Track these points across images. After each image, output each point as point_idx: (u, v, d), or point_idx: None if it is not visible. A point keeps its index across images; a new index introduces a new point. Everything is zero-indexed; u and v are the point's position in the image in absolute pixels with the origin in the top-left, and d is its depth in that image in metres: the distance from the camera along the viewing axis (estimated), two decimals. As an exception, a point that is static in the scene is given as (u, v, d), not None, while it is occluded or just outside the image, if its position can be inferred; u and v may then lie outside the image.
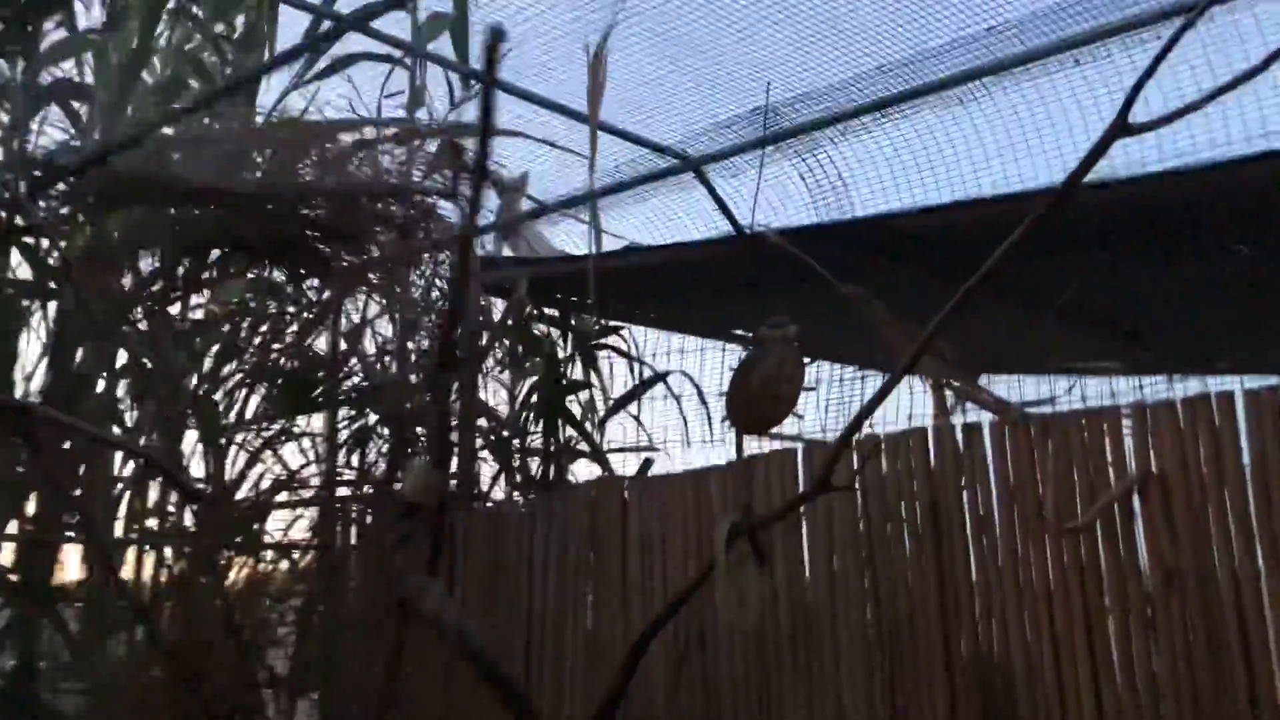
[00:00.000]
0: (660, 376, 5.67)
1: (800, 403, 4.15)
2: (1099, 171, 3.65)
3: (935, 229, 3.96)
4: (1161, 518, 3.08)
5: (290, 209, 4.45)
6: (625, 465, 5.94)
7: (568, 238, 5.04)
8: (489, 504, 5.40)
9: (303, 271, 4.92)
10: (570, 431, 6.10)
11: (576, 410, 6.17)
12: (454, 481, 5.37)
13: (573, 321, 5.97)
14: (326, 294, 5.24)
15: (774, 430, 4.26)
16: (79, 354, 5.39)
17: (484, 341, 5.53)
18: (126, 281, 4.90)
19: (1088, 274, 4.72)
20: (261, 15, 6.27)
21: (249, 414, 5.93)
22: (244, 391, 5.93)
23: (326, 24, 6.05)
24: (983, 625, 3.34)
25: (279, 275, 5.12)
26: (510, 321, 5.61)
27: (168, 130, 4.22)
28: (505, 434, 5.85)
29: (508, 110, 4.94)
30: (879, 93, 3.45)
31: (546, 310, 5.92)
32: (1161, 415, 3.13)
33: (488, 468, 5.73)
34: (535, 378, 6.05)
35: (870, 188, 3.91)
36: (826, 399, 4.66)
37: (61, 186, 4.15)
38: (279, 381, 5.94)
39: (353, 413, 5.88)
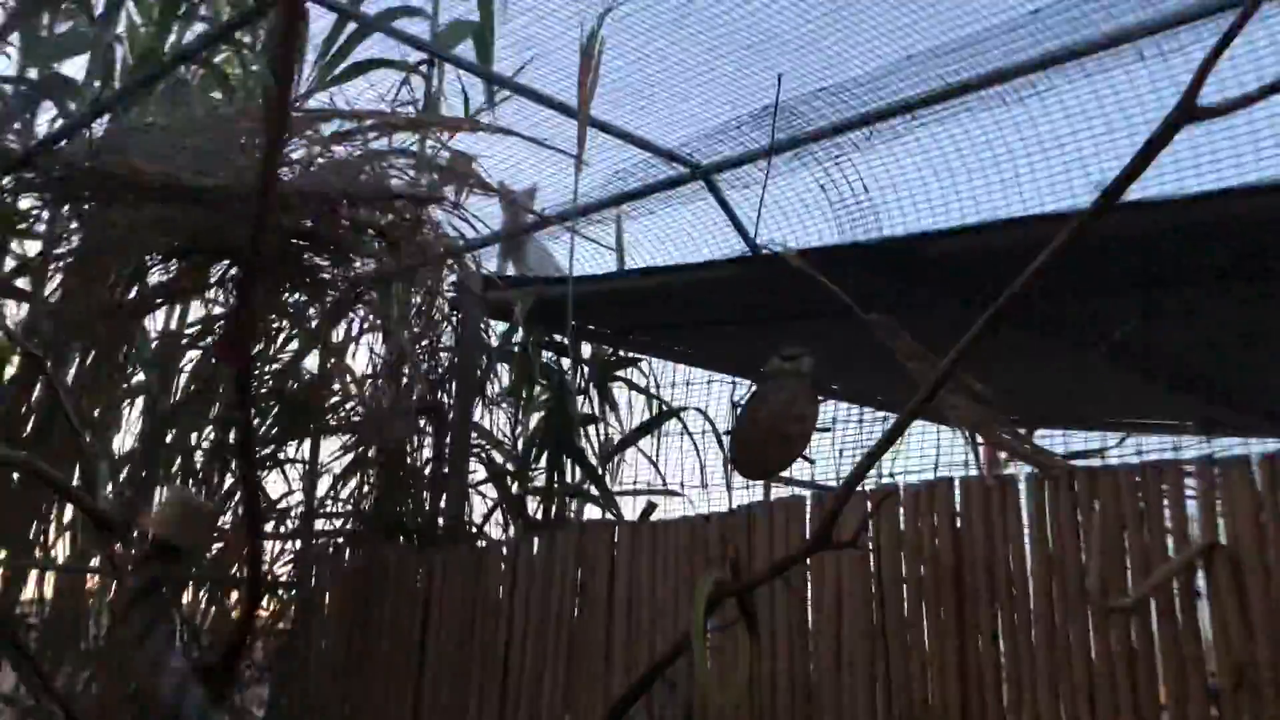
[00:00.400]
0: (674, 412, 5.20)
1: (813, 445, 3.67)
2: (1164, 184, 3.16)
3: (974, 252, 3.48)
4: (1231, 597, 2.54)
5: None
6: (635, 509, 5.47)
7: (580, 254, 4.63)
8: (480, 542, 4.96)
9: (287, 284, 4.55)
10: (581, 469, 5.68)
11: (591, 446, 5.76)
12: (440, 517, 4.96)
13: (584, 349, 5.54)
14: (314, 311, 4.87)
15: (782, 475, 3.79)
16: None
17: (482, 368, 5.11)
18: (97, 286, 4.56)
19: (1152, 315, 4.19)
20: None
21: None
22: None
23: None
24: (1011, 717, 2.81)
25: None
26: (508, 347, 5.19)
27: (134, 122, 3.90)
28: (507, 467, 5.43)
29: (512, 113, 4.58)
30: (905, 91, 3.00)
31: (556, 336, 5.49)
32: (1234, 474, 2.60)
33: (482, 502, 5.32)
34: (543, 410, 5.64)
35: (900, 201, 3.44)
36: (843, 442, 4.17)
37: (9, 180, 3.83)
38: (273, 404, 5.60)
39: (349, 439, 5.51)
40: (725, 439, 4.58)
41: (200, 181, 3.91)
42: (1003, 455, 3.14)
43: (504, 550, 4.25)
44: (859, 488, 3.09)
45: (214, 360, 5.13)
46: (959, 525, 3.03)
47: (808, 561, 3.26)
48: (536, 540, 4.12)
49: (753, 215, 3.57)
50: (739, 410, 3.78)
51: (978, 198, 3.28)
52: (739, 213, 3.67)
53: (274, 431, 5.53)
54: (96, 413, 5.29)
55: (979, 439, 3.17)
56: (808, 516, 3.33)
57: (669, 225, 3.96)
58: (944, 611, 2.98)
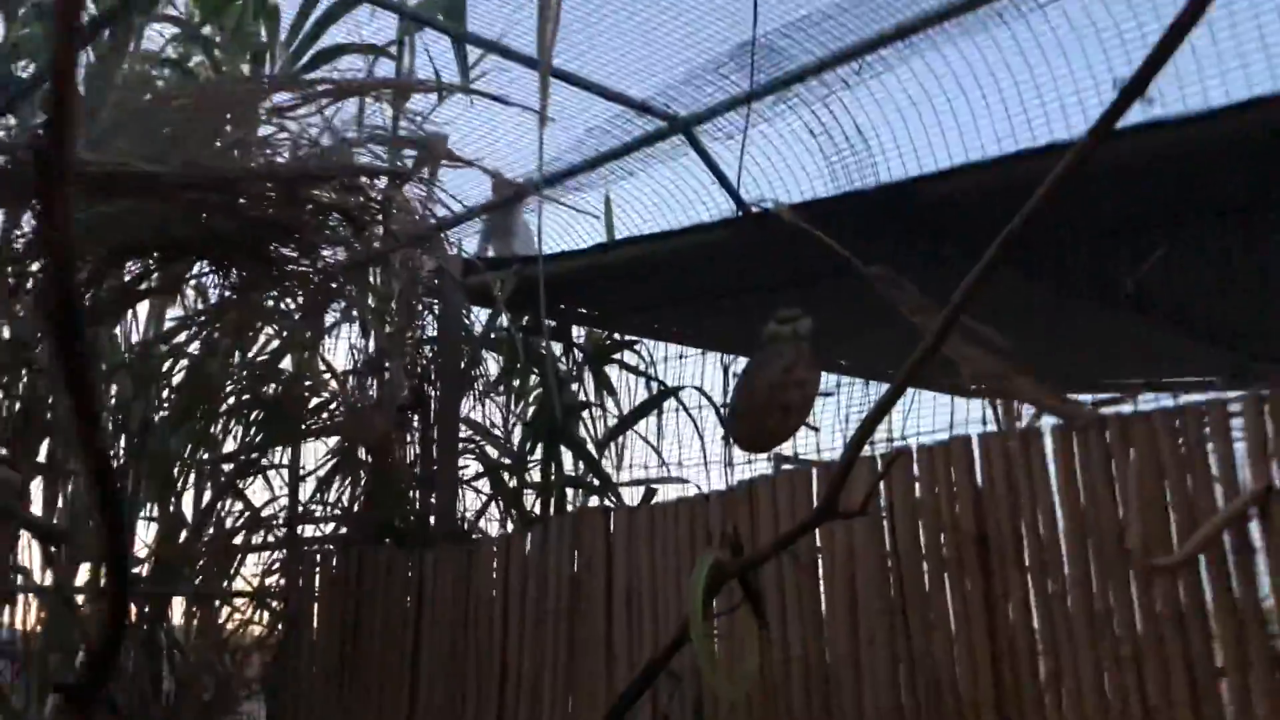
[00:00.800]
0: (670, 392, 4.92)
1: (815, 413, 3.41)
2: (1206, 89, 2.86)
3: (977, 194, 3.20)
4: (1291, 548, 2.28)
5: (223, 199, 3.83)
6: (636, 498, 5.21)
7: (554, 225, 4.34)
8: (474, 537, 4.70)
9: (245, 275, 4.29)
10: (579, 458, 5.42)
11: (589, 434, 5.50)
12: (431, 516, 4.70)
13: (576, 333, 5.27)
14: (286, 305, 4.61)
15: (783, 447, 3.52)
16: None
17: (466, 357, 4.85)
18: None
19: (1175, 249, 3.91)
20: (249, 10, 5.80)
21: (217, 446, 5.36)
22: (217, 422, 5.37)
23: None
24: (1050, 693, 2.54)
25: (218, 281, 4.49)
26: (493, 334, 4.92)
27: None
28: (501, 460, 5.16)
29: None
30: (897, 14, 2.72)
31: (548, 321, 5.22)
32: (1286, 409, 2.33)
33: (477, 499, 5.05)
34: (534, 400, 5.38)
35: (896, 141, 3.15)
36: (848, 407, 3.88)
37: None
38: (257, 410, 5.35)
39: (332, 441, 5.26)
40: (722, 412, 4.31)
41: (150, 169, 3.66)
42: (1024, 409, 2.86)
43: (495, 547, 3.99)
44: (867, 452, 2.84)
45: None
46: (980, 486, 2.76)
47: (816, 537, 3.00)
48: (529, 534, 3.87)
49: (748, 169, 3.29)
50: (734, 380, 3.51)
51: (981, 133, 3.01)
52: (725, 167, 3.40)
53: (258, 438, 5.29)
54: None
55: (994, 391, 2.90)
56: (814, 488, 3.06)
57: (651, 187, 3.68)
58: (969, 582, 2.71)
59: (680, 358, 4.81)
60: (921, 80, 2.90)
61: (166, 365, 5.28)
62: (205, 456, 5.25)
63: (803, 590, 3.01)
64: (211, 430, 5.38)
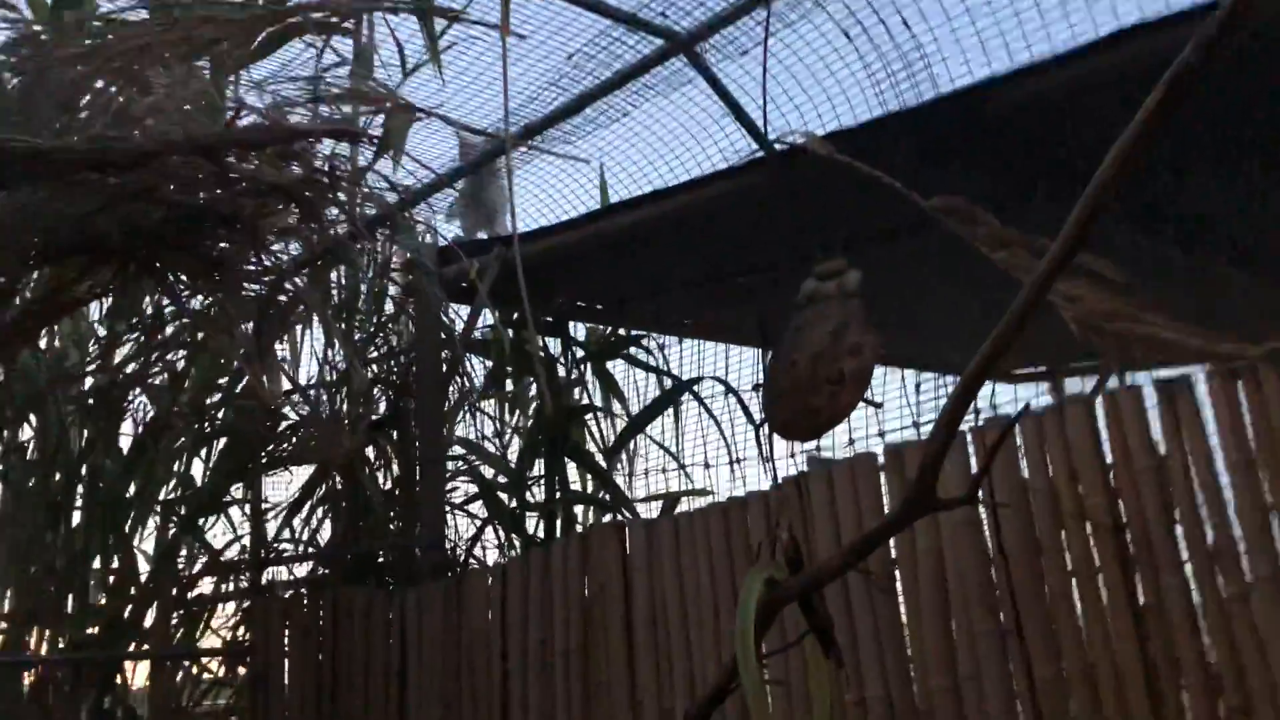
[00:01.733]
0: (685, 385, 4.25)
1: (874, 385, 2.74)
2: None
3: (1058, 98, 2.54)
4: None
5: (138, 180, 3.18)
6: (653, 514, 4.56)
7: (535, 193, 3.67)
8: (460, 569, 4.03)
9: (184, 278, 3.63)
10: (586, 470, 4.76)
11: (596, 442, 4.84)
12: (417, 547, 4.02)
13: (573, 329, 4.62)
14: (232, 313, 3.95)
15: (837, 430, 2.85)
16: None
17: (448, 362, 4.19)
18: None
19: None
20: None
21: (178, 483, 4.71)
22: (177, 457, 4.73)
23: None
24: (1237, 733, 1.87)
25: (155, 287, 3.84)
26: (478, 332, 4.26)
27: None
28: (497, 479, 4.50)
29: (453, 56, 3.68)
30: None
31: (537, 314, 4.56)
32: None
33: (472, 524, 4.39)
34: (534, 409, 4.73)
35: (959, 39, 2.49)
36: (918, 378, 3.16)
37: None
38: (216, 441, 4.71)
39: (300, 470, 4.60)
40: (757, 395, 3.63)
41: (43, 145, 3.02)
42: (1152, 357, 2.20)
43: (489, 578, 3.32)
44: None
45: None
46: (1109, 460, 2.09)
47: (890, 543, 2.33)
48: (530, 559, 3.20)
49: (757, 95, 2.65)
50: (769, 356, 2.86)
51: (1072, 20, 2.35)
52: (740, 93, 2.75)
53: (216, 472, 4.64)
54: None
55: (1111, 336, 2.24)
56: (881, 477, 2.39)
57: (649, 128, 3.03)
58: (1107, 589, 2.04)
59: (697, 342, 4.13)
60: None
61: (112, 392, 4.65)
62: (161, 496, 4.61)
63: (878, 610, 2.34)
64: (172, 466, 4.76)
